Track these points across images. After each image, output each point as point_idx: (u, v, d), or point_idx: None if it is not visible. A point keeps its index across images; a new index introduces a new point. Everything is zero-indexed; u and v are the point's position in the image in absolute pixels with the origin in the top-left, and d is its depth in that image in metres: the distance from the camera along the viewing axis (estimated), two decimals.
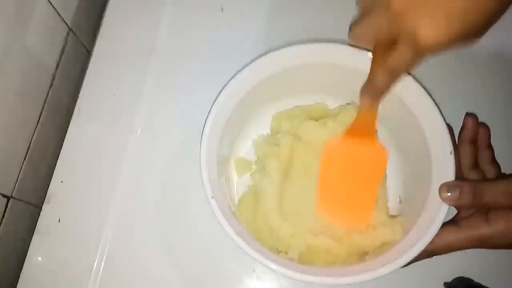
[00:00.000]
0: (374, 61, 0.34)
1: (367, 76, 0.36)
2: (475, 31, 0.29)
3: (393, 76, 0.34)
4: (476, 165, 0.40)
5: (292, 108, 0.44)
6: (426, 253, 0.35)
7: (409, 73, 0.38)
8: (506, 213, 0.35)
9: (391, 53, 0.32)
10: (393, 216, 0.41)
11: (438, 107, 0.37)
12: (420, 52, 0.30)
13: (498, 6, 0.28)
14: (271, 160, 0.41)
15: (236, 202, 0.42)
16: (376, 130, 0.39)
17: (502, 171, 0.41)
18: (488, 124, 0.42)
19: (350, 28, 0.35)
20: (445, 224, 0.36)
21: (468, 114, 0.43)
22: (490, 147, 0.41)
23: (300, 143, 0.42)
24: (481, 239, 0.35)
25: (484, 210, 0.36)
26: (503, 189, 0.35)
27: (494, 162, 0.41)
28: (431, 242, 0.34)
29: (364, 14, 0.33)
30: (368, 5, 0.32)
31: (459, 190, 0.35)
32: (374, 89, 0.36)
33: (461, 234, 0.36)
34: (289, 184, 0.40)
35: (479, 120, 0.42)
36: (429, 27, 0.28)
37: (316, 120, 0.42)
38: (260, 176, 0.41)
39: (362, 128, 0.39)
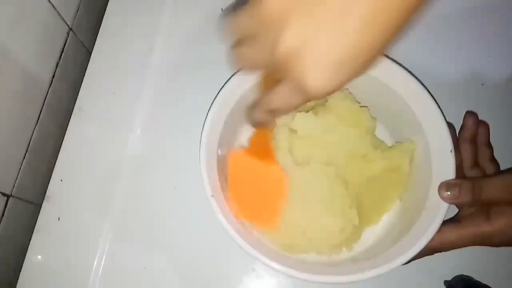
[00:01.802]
0: (259, 90, 0.32)
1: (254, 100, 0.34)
2: (365, 68, 0.26)
3: (272, 115, 0.32)
4: (476, 163, 0.41)
5: None
6: (428, 251, 0.35)
7: (409, 72, 0.38)
8: (506, 210, 0.35)
9: (275, 90, 0.29)
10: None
11: (439, 106, 0.38)
12: (304, 98, 0.28)
13: (385, 44, 0.25)
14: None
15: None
16: (272, 149, 0.40)
17: (501, 169, 0.41)
18: (488, 123, 0.42)
19: (230, 53, 0.30)
20: (446, 222, 0.36)
21: (468, 113, 0.43)
22: (489, 145, 0.42)
23: (296, 135, 0.42)
24: (482, 236, 0.35)
25: (485, 208, 0.36)
26: (501, 184, 0.35)
27: (494, 160, 0.41)
28: (433, 239, 0.35)
29: (247, 40, 0.28)
30: (251, 32, 0.27)
31: (458, 188, 0.35)
32: (252, 120, 0.34)
33: (462, 231, 0.36)
34: (294, 176, 0.41)
35: (482, 119, 0.43)
36: (315, 78, 0.25)
37: (308, 111, 0.42)
38: None
39: (260, 145, 0.40)
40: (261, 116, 0.33)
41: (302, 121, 0.42)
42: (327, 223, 0.39)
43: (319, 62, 0.25)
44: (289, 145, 0.41)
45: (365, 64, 0.26)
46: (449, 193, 0.35)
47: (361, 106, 0.42)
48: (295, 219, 0.39)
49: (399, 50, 0.41)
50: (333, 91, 0.26)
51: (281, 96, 0.29)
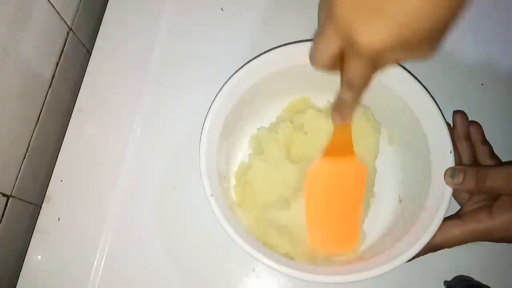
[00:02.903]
0: (340, 78, 0.34)
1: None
2: (421, 38, 0.27)
3: (354, 90, 0.32)
4: (476, 162, 0.40)
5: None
6: (430, 248, 0.35)
7: (409, 72, 0.38)
8: (509, 205, 0.35)
9: (346, 67, 0.31)
10: None
11: (439, 107, 0.37)
12: (366, 60, 0.29)
13: (449, 13, 0.26)
14: (269, 144, 0.41)
15: (235, 200, 0.42)
16: (353, 147, 0.39)
17: None
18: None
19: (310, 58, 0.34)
20: (449, 218, 0.36)
21: (455, 112, 0.43)
22: (486, 142, 0.41)
23: (299, 132, 0.42)
24: (484, 232, 0.35)
25: (487, 203, 0.36)
26: (506, 174, 0.35)
27: (494, 156, 0.41)
28: (435, 236, 0.34)
29: (317, 36, 0.32)
30: (321, 25, 0.31)
31: (463, 174, 0.35)
32: (340, 106, 0.35)
33: (465, 227, 0.36)
34: (285, 169, 0.41)
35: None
36: (367, 33, 0.27)
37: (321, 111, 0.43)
38: (257, 159, 0.41)
39: (340, 146, 0.39)
40: (344, 96, 0.34)
41: (311, 116, 0.42)
42: (290, 228, 0.40)
43: (369, 19, 0.26)
44: (288, 141, 0.42)
45: (422, 31, 0.26)
46: (453, 178, 0.35)
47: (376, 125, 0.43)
48: (274, 214, 0.40)
49: None
50: (388, 52, 0.27)
51: (348, 68, 0.30)
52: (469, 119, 0.42)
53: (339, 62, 0.32)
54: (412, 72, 0.39)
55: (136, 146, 0.46)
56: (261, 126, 0.45)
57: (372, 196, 0.43)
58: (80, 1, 0.50)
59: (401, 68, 0.39)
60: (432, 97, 0.38)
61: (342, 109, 0.35)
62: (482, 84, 0.47)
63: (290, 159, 0.41)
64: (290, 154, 0.42)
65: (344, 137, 0.38)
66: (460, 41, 0.49)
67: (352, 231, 0.40)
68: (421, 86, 0.38)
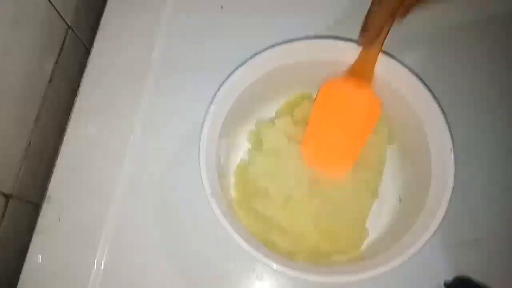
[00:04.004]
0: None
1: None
2: None
3: (381, 8, 0.34)
4: None
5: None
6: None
7: (411, 70, 0.38)
8: None
9: None
10: None
11: (440, 105, 0.37)
12: None
13: None
14: (268, 135, 0.41)
15: (235, 198, 0.42)
16: (373, 78, 0.39)
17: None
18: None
19: None
20: None
21: None
22: None
23: (301, 126, 0.42)
24: None
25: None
26: None
27: None
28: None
29: None
30: None
31: None
32: (367, 24, 0.35)
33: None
34: (283, 161, 0.41)
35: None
36: None
37: None
38: (257, 154, 0.41)
39: (360, 72, 0.39)
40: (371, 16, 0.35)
41: (305, 109, 0.42)
42: (290, 226, 0.40)
43: None
44: (288, 134, 0.42)
45: None
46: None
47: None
48: (274, 211, 0.40)
49: (401, 51, 0.41)
50: None
51: None
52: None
53: None
54: (414, 70, 0.38)
55: (136, 146, 0.46)
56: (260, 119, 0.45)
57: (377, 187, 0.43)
58: None
59: (403, 66, 0.39)
60: (434, 95, 0.38)
61: (368, 27, 0.35)
62: (481, 84, 0.47)
63: (290, 151, 0.41)
64: (290, 146, 0.42)
65: (367, 63, 0.38)
66: (460, 41, 0.49)
67: (348, 156, 0.41)
68: (422, 84, 0.38)
